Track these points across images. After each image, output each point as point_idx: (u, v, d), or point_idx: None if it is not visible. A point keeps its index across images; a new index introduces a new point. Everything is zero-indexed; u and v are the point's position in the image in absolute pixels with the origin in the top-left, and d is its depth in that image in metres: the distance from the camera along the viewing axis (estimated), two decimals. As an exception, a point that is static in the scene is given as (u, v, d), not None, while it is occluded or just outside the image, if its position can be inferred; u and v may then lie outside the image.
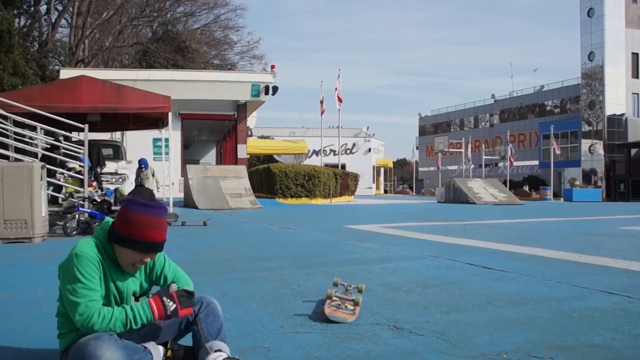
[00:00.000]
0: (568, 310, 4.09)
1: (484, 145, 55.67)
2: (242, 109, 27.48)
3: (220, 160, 34.02)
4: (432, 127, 75.75)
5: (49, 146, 12.80)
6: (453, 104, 78.33)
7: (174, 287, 2.63)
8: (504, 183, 36.69)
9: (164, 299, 2.57)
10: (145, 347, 2.57)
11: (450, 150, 52.55)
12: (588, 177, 48.28)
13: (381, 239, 9.61)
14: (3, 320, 3.98)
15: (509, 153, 45.75)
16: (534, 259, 6.93)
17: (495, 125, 64.73)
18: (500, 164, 57.27)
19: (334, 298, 4.01)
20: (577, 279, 5.42)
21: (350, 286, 4.21)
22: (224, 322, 2.83)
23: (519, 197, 32.34)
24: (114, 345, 2.38)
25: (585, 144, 49.10)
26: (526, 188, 47.31)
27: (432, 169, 66.37)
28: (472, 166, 51.31)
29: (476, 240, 9.19)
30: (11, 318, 4.07)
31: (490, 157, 56.72)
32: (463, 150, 48.60)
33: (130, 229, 2.55)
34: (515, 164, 54.05)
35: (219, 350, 2.67)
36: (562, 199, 41.23)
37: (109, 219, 2.72)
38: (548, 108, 58.91)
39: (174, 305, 2.57)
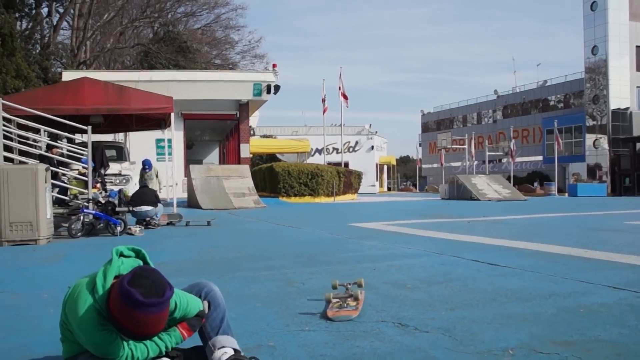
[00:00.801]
0: (574, 306, 4.07)
1: (487, 141, 55.35)
2: (245, 108, 27.46)
3: (223, 160, 34.00)
4: (434, 124, 75.59)
5: (59, 149, 12.82)
6: (456, 100, 78.21)
7: (201, 315, 2.69)
8: (508, 179, 36.60)
9: (196, 327, 2.67)
10: None
11: (453, 146, 52.35)
12: (593, 171, 48.06)
13: (385, 236, 9.60)
14: (10, 322, 4.02)
15: (512, 149, 45.65)
16: (538, 255, 6.92)
17: (498, 121, 64.49)
18: (504, 160, 57.17)
19: (334, 300, 4.02)
20: (582, 274, 5.40)
21: (350, 284, 4.21)
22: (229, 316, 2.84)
23: (523, 193, 32.30)
24: None
25: (589, 138, 48.85)
26: (537, 184, 46.98)
27: (435, 165, 66.13)
28: (476, 162, 51.15)
29: (481, 236, 9.18)
30: (18, 319, 4.10)
31: (493, 153, 56.61)
32: (466, 146, 48.46)
33: (123, 319, 2.31)
34: (519, 159, 53.86)
35: (223, 347, 2.67)
36: (566, 194, 41.10)
37: (100, 280, 2.44)
38: (551, 103, 58.64)
39: (198, 327, 2.68)
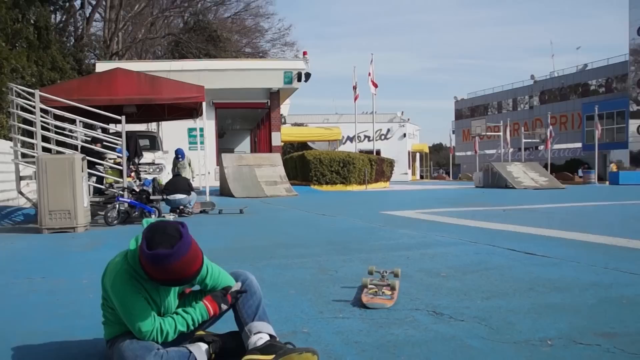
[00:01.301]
0: (616, 297, 3.97)
1: (523, 128, 54.08)
2: (275, 96, 27.48)
3: (254, 149, 34.10)
4: (468, 111, 74.55)
5: (89, 139, 12.99)
6: (490, 86, 76.68)
7: (227, 290, 2.80)
8: (545, 167, 35.93)
9: (222, 305, 2.75)
10: (190, 352, 2.61)
11: (487, 134, 51.55)
12: (636, 159, 46.58)
13: (418, 224, 9.52)
14: (53, 306, 4.12)
15: (548, 136, 44.75)
16: (578, 244, 6.76)
17: (535, 107, 63.20)
18: (541, 147, 56.03)
19: (370, 286, 3.99)
20: (625, 264, 5.25)
21: (386, 272, 4.18)
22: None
23: (561, 180, 31.69)
24: None
25: (633, 124, 47.36)
26: (582, 171, 45.45)
27: (469, 153, 65.35)
28: (511, 150, 50.26)
29: (517, 225, 9.01)
30: (60, 304, 4.20)
31: (530, 141, 55.48)
32: (501, 133, 47.73)
33: (159, 275, 2.50)
34: (557, 147, 52.74)
35: (259, 332, 2.71)
36: (607, 182, 40.15)
37: (132, 244, 2.64)
38: (592, 88, 57.12)
39: (226, 307, 2.76)
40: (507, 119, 50.98)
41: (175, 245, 2.44)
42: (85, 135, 12.91)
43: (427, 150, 67.54)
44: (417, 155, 63.92)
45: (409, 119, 58.30)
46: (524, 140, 47.07)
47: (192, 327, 2.70)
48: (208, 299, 2.76)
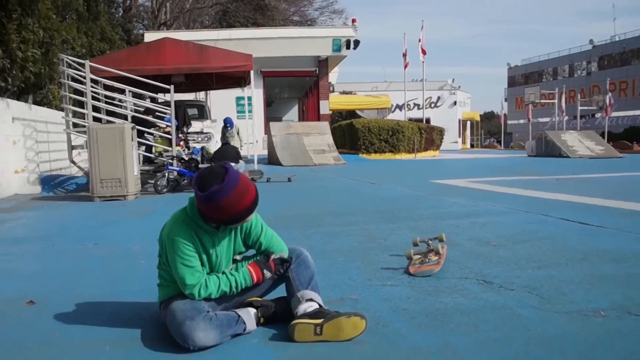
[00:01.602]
0: (674, 268, 3.84)
1: (579, 95, 52.33)
2: (324, 64, 27.34)
3: (302, 117, 34.12)
4: (522, 78, 72.59)
5: (140, 108, 13.20)
6: (545, 52, 74.36)
7: (272, 257, 2.84)
8: (602, 135, 34.85)
9: (264, 270, 2.79)
10: (239, 316, 2.68)
11: (541, 101, 50.18)
12: None
13: (469, 193, 9.40)
14: (106, 272, 4.24)
15: (608, 103, 43.25)
16: (635, 215, 6.54)
17: (592, 74, 60.98)
18: (598, 115, 54.24)
19: (415, 256, 3.97)
20: (684, 234, 5.06)
21: (431, 239, 4.15)
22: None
23: (618, 149, 30.68)
24: (208, 327, 2.54)
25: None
26: None
27: (521, 121, 63.88)
28: (566, 118, 48.90)
29: (570, 195, 8.78)
30: (113, 270, 4.31)
31: (586, 108, 53.68)
32: (556, 101, 46.40)
33: (226, 214, 2.62)
34: (615, 114, 50.96)
35: (310, 300, 2.75)
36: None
37: (190, 200, 2.76)
38: (656, 51, 54.69)
39: (270, 275, 2.80)
40: (562, 86, 49.50)
41: (225, 179, 2.57)
42: (135, 104, 13.12)
43: (478, 119, 66.38)
44: (468, 123, 62.96)
45: (459, 87, 57.40)
46: (579, 108, 45.63)
47: (234, 290, 2.75)
48: (251, 264, 2.82)
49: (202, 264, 2.73)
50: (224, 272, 2.78)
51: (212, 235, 2.73)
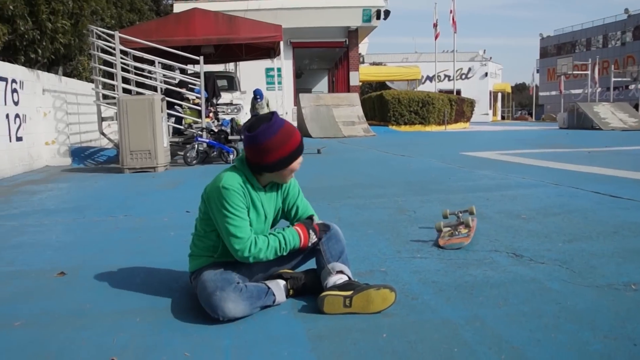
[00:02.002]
0: None
1: (613, 66, 51.19)
2: (354, 35, 27.12)
3: (332, 89, 34.01)
4: (554, 49, 71.15)
5: (172, 80, 13.27)
6: (579, 22, 72.71)
7: (316, 220, 2.86)
8: (636, 107, 34.10)
9: (310, 231, 2.79)
10: (269, 288, 2.70)
11: (574, 72, 49.23)
12: None
13: (499, 166, 9.32)
14: (136, 243, 4.28)
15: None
16: (668, 187, 6.45)
17: (627, 44, 59.35)
18: (632, 87, 53.03)
19: (445, 229, 3.96)
20: None
21: (461, 212, 4.14)
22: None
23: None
24: (238, 298, 2.56)
25: None
26: None
27: (553, 93, 62.85)
28: (599, 89, 47.92)
29: (602, 167, 8.65)
30: (142, 241, 4.35)
31: (619, 79, 52.53)
32: (589, 72, 45.52)
33: (273, 155, 2.65)
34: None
35: (341, 272, 2.75)
36: None
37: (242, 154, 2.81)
38: (693, 20, 53.07)
39: (315, 238, 2.80)
40: (595, 57, 48.46)
41: (272, 119, 2.67)
42: (164, 76, 13.17)
43: (509, 90, 65.51)
44: (499, 95, 62.17)
45: (491, 58, 56.62)
46: (613, 79, 44.65)
47: (284, 249, 2.74)
48: (297, 224, 2.82)
49: (255, 224, 2.75)
50: (271, 233, 2.78)
51: (259, 191, 2.76)
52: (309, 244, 2.80)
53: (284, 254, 2.77)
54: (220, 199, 2.64)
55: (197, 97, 11.97)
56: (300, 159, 2.75)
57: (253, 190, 2.73)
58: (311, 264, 2.93)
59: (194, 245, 2.86)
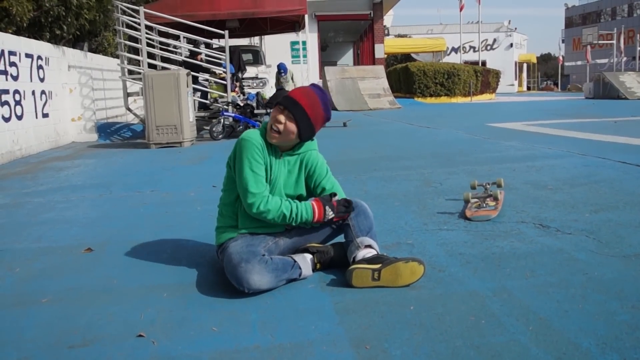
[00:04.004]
0: None
1: (638, 35, 50.19)
2: (379, 7, 26.85)
3: (357, 61, 33.79)
4: (580, 18, 69.76)
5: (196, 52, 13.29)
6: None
7: (335, 197, 2.84)
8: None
9: (326, 207, 2.77)
10: (295, 261, 2.72)
11: (600, 42, 48.24)
12: None
13: (525, 136, 9.25)
14: (163, 218, 4.33)
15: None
16: (697, 157, 6.36)
17: (654, 13, 58.21)
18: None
19: (473, 200, 3.97)
20: None
21: (489, 184, 4.13)
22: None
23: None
24: (264, 270, 2.56)
25: None
26: None
27: (579, 63, 61.73)
28: (625, 59, 46.95)
29: (629, 137, 8.53)
30: (169, 216, 4.40)
31: (646, 49, 51.53)
32: (614, 41, 44.61)
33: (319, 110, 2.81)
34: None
35: (369, 247, 2.75)
36: None
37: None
38: None
39: (332, 215, 2.78)
40: (621, 26, 47.38)
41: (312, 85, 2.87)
42: (189, 51, 13.21)
43: (534, 61, 64.48)
44: (524, 65, 61.27)
45: (516, 28, 55.74)
46: (639, 49, 43.71)
47: (293, 218, 2.74)
48: (314, 200, 2.82)
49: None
50: (286, 200, 2.80)
51: (277, 154, 2.79)
52: (324, 220, 2.79)
53: (293, 224, 2.79)
54: (240, 150, 2.71)
55: (222, 72, 11.98)
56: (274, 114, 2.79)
57: (271, 152, 2.78)
58: (340, 239, 2.93)
59: (220, 217, 2.89)
